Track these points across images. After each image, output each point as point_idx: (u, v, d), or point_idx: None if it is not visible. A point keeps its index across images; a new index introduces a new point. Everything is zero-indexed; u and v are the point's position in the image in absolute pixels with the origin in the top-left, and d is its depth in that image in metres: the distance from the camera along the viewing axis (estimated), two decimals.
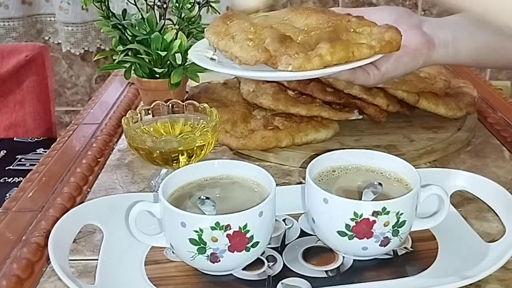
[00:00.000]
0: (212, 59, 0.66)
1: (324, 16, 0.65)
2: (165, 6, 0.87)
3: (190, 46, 0.84)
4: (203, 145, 0.63)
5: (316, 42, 0.60)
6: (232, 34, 0.64)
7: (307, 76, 0.60)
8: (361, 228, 0.51)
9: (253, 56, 0.59)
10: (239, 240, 0.49)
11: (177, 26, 0.87)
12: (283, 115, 0.79)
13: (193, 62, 0.70)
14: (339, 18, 0.65)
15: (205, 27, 0.89)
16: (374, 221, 0.50)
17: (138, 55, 0.84)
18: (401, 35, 0.62)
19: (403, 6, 1.98)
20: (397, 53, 0.63)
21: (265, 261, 0.54)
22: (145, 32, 0.84)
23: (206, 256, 0.50)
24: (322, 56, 0.58)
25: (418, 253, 0.55)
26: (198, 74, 0.84)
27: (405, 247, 0.56)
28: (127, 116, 0.66)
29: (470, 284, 0.49)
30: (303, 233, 0.59)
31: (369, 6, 1.98)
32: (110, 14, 0.85)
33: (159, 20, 0.87)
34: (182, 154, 0.63)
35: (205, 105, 0.68)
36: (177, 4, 0.86)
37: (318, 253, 0.56)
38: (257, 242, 0.50)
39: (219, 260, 0.50)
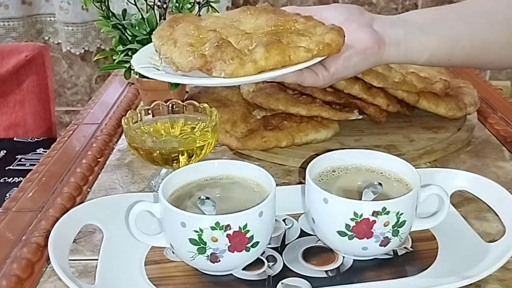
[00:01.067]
0: (154, 66, 0.64)
1: (274, 16, 0.64)
2: (165, 6, 0.87)
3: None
4: (203, 145, 0.63)
5: (254, 46, 0.59)
6: (175, 39, 0.63)
7: (241, 82, 0.59)
8: (361, 228, 0.51)
9: (189, 62, 0.57)
10: (239, 240, 0.49)
11: None
12: (283, 115, 0.79)
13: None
14: (286, 19, 0.64)
15: None
16: (374, 221, 0.50)
17: None
18: (344, 36, 0.60)
19: (402, 6, 1.98)
20: (346, 53, 0.62)
21: (265, 261, 0.54)
22: (145, 32, 0.84)
23: (206, 256, 0.50)
24: (256, 62, 0.56)
25: (418, 253, 0.55)
26: None
27: (405, 247, 0.56)
28: (127, 116, 0.66)
29: (470, 284, 0.49)
30: (303, 233, 0.59)
31: (369, 6, 1.99)
32: (110, 14, 0.85)
33: (159, 20, 0.87)
34: (182, 154, 0.63)
35: (205, 105, 0.68)
36: (177, 4, 0.86)
37: (318, 253, 0.56)
38: (257, 242, 0.50)
39: (219, 260, 0.50)
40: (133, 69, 0.67)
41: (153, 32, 0.66)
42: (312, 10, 0.67)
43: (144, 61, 0.64)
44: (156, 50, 0.64)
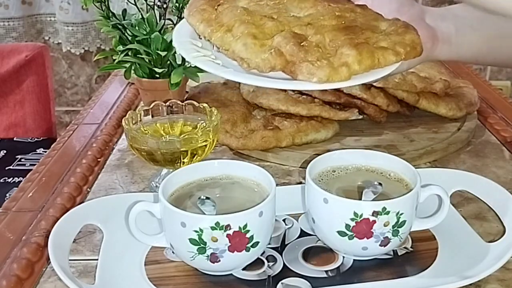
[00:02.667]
0: (205, 55, 0.56)
1: (322, 3, 0.57)
2: (165, 6, 0.87)
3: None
4: (205, 145, 0.63)
5: (333, 44, 0.53)
6: (227, 24, 0.54)
7: (330, 87, 0.52)
8: (361, 228, 0.51)
9: (266, 61, 0.50)
10: (239, 240, 0.49)
11: None
12: (283, 115, 0.79)
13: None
14: (340, 7, 0.57)
15: None
16: (374, 221, 0.50)
17: (138, 55, 0.84)
18: (419, 35, 0.56)
19: None
20: None
21: (265, 261, 0.54)
22: (145, 32, 0.84)
23: (206, 256, 0.50)
24: (349, 66, 0.51)
25: (418, 253, 0.55)
26: (198, 74, 0.84)
27: (405, 247, 0.56)
28: (126, 117, 0.66)
29: (470, 284, 0.49)
30: (303, 233, 0.59)
31: None
32: (110, 14, 0.85)
33: (159, 20, 0.87)
34: (185, 155, 0.63)
35: (205, 105, 0.68)
36: (177, 4, 0.86)
37: (318, 253, 0.56)
38: (257, 242, 0.50)
39: (219, 260, 0.50)
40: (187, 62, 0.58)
41: (189, 12, 0.57)
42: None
43: (189, 48, 0.56)
44: (199, 35, 0.57)
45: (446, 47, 0.63)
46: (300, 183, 0.69)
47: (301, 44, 0.51)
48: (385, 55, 0.53)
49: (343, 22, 0.55)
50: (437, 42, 0.62)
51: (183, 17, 0.86)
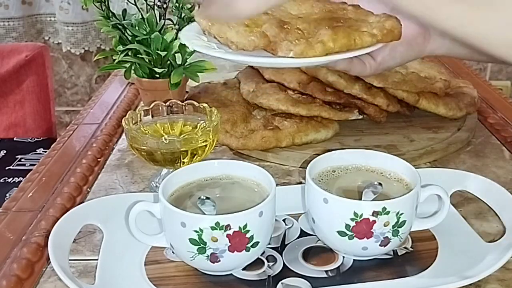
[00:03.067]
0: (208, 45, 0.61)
1: (319, 4, 0.63)
2: (165, 6, 0.87)
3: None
4: (205, 145, 0.63)
5: (316, 30, 0.58)
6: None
7: (307, 64, 0.58)
8: (361, 228, 0.51)
9: (251, 41, 0.56)
10: (239, 240, 0.49)
11: (177, 26, 0.87)
12: (283, 115, 0.79)
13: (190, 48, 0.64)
14: (334, 7, 0.63)
15: None
16: (374, 221, 0.50)
17: (138, 55, 0.84)
18: (401, 24, 0.59)
19: None
20: (392, 43, 0.61)
21: (265, 261, 0.54)
22: (145, 32, 0.84)
23: (206, 256, 0.50)
24: (324, 43, 0.55)
25: (418, 253, 0.55)
26: (198, 74, 0.84)
27: (405, 247, 0.56)
28: (126, 117, 0.66)
29: (470, 284, 0.49)
30: (303, 233, 0.59)
31: None
32: (110, 14, 0.85)
33: (159, 20, 0.87)
34: (185, 155, 0.63)
35: (205, 105, 0.68)
36: (177, 4, 0.86)
37: (318, 253, 0.56)
38: (257, 242, 0.50)
39: (219, 260, 0.50)
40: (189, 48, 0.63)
41: (196, 12, 0.63)
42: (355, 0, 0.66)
43: (194, 40, 0.62)
44: (203, 31, 0.62)
45: (439, 41, 0.63)
46: (300, 183, 0.69)
47: (284, 27, 0.57)
48: (361, 36, 0.57)
49: (327, 14, 0.61)
50: (428, 37, 0.63)
51: (183, 17, 0.87)
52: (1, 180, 1.27)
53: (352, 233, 0.51)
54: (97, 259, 0.54)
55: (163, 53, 0.83)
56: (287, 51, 0.55)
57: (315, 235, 0.57)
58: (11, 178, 1.28)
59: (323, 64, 0.66)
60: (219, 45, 0.60)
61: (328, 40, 0.55)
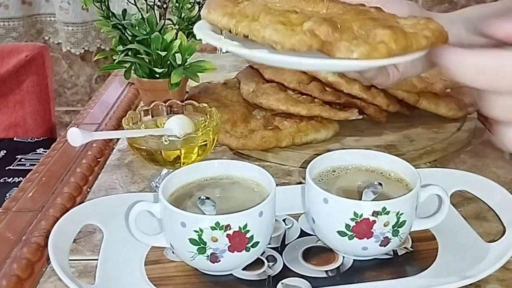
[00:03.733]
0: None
1: (335, 4, 0.57)
2: (165, 6, 0.87)
3: (191, 46, 0.84)
4: (205, 145, 0.63)
5: (361, 29, 0.51)
6: (252, 15, 0.53)
7: (369, 67, 0.50)
8: (361, 228, 0.51)
9: (301, 41, 0.49)
10: (239, 240, 0.49)
11: (177, 26, 0.88)
12: (283, 115, 0.79)
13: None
14: (355, 7, 0.57)
15: None
16: (374, 221, 0.50)
17: (138, 55, 0.84)
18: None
19: None
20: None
21: (265, 261, 0.54)
22: (145, 32, 0.84)
23: (206, 256, 0.50)
24: (386, 43, 0.49)
25: (418, 253, 0.55)
26: (198, 74, 0.84)
27: (405, 247, 0.56)
28: (126, 117, 0.66)
29: (470, 284, 0.49)
30: (303, 233, 0.59)
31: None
32: (110, 14, 0.85)
33: (159, 20, 0.87)
34: (185, 154, 0.63)
35: (205, 105, 0.68)
36: (177, 4, 0.86)
37: (318, 253, 0.56)
38: (257, 242, 0.50)
39: (219, 260, 0.50)
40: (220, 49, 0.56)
41: (207, 9, 0.55)
42: (370, 2, 0.61)
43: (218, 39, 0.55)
44: (224, 29, 0.54)
45: None
46: (300, 183, 0.69)
47: (334, 25, 0.50)
48: (416, 38, 0.51)
49: (364, 15, 0.54)
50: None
51: (183, 17, 0.87)
52: (1, 180, 1.27)
53: (352, 233, 0.51)
54: (97, 259, 0.54)
55: (163, 53, 0.83)
56: (348, 52, 0.48)
57: (315, 235, 0.57)
58: (11, 178, 1.28)
59: (374, 68, 0.60)
60: (249, 45, 0.53)
61: (390, 41, 0.49)
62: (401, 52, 0.49)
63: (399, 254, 0.55)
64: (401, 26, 0.52)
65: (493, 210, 0.61)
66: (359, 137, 0.81)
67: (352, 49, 0.47)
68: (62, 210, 0.63)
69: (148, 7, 0.86)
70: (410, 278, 0.52)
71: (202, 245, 0.49)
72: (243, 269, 0.53)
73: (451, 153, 0.78)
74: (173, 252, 0.54)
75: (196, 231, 0.48)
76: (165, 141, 0.61)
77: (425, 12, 0.63)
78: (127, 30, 0.84)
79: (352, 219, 0.50)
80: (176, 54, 0.83)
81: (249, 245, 0.50)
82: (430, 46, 0.51)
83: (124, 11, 0.86)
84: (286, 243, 0.57)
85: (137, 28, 0.84)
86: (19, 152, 1.40)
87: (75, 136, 0.57)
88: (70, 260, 0.54)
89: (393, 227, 0.51)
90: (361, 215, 0.50)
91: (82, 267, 0.55)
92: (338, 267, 0.54)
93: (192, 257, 0.50)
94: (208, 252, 0.49)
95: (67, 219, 0.56)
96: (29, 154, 1.39)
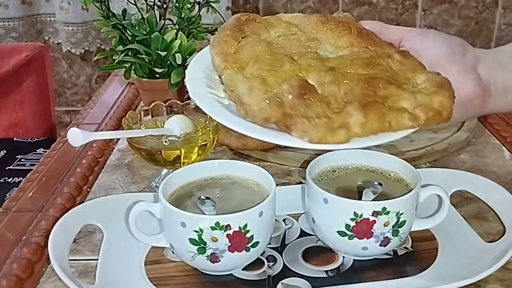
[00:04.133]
0: (213, 93, 0.52)
1: (361, 41, 0.54)
2: (165, 6, 0.87)
3: (191, 46, 0.84)
4: (205, 145, 0.63)
5: (345, 96, 0.48)
6: (242, 62, 0.51)
7: (325, 148, 0.47)
8: (361, 228, 0.51)
9: (262, 110, 0.46)
10: (239, 240, 0.49)
11: (177, 26, 0.88)
12: None
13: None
14: (378, 50, 0.53)
15: (205, 27, 0.90)
16: (374, 221, 0.50)
17: (138, 55, 0.84)
18: (454, 98, 0.49)
19: (402, 6, 1.98)
20: None
21: (265, 261, 0.54)
22: (145, 32, 0.84)
23: (206, 256, 0.50)
24: (349, 128, 0.46)
25: (418, 253, 0.55)
26: None
27: (405, 247, 0.56)
28: (127, 117, 0.66)
29: (470, 284, 0.49)
30: (303, 233, 0.59)
31: (369, 6, 1.99)
32: (110, 14, 0.85)
33: (159, 20, 0.87)
34: (185, 154, 0.63)
35: None
36: (177, 4, 0.86)
37: (318, 253, 0.56)
38: (257, 242, 0.50)
39: (219, 260, 0.50)
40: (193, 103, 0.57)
41: (212, 41, 0.54)
42: (405, 35, 0.56)
43: (200, 80, 0.52)
44: (215, 69, 0.53)
45: (502, 99, 0.55)
46: (300, 183, 0.69)
47: (305, 96, 0.47)
48: (398, 118, 0.47)
49: (369, 71, 0.51)
50: (488, 98, 0.54)
51: (183, 17, 0.87)
52: (1, 180, 1.27)
53: (352, 233, 0.51)
54: (97, 259, 0.54)
55: (163, 53, 0.83)
56: (302, 132, 0.46)
57: (315, 235, 0.57)
58: (11, 178, 1.28)
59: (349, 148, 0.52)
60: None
61: (355, 124, 0.46)
62: (372, 133, 0.47)
63: (399, 254, 0.55)
64: (399, 95, 0.49)
65: (493, 210, 0.61)
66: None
67: (307, 130, 0.45)
68: (62, 210, 0.63)
69: (148, 7, 0.86)
70: (410, 278, 0.52)
71: (202, 245, 0.49)
72: (243, 269, 0.53)
73: (451, 153, 0.78)
74: (173, 252, 0.54)
75: (196, 231, 0.48)
76: (165, 141, 0.61)
77: (470, 52, 0.54)
78: (127, 30, 0.84)
79: (352, 219, 0.50)
80: (176, 54, 0.83)
81: (249, 245, 0.50)
82: (421, 126, 0.48)
83: (124, 11, 0.86)
84: (286, 243, 0.57)
85: (137, 28, 0.84)
86: (19, 152, 1.40)
87: (76, 136, 0.57)
88: (70, 260, 0.54)
89: (393, 227, 0.51)
90: (361, 215, 0.50)
91: (82, 267, 0.55)
92: (338, 267, 0.54)
93: (192, 257, 0.50)
94: (208, 252, 0.49)
95: (67, 219, 0.56)
96: (29, 154, 1.39)
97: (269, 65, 0.50)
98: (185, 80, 0.53)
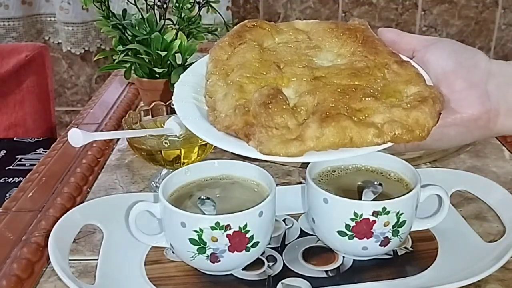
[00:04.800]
0: (197, 99, 0.52)
1: (362, 50, 0.52)
2: (165, 6, 0.87)
3: (191, 46, 0.84)
4: (205, 145, 0.63)
5: (316, 106, 0.47)
6: (228, 68, 0.52)
7: (278, 160, 0.45)
8: (361, 228, 0.51)
9: (226, 118, 0.46)
10: (239, 240, 0.49)
11: (177, 26, 0.88)
12: None
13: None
14: (376, 60, 0.51)
15: (205, 27, 0.90)
16: (374, 221, 0.50)
17: (138, 55, 0.84)
18: (436, 119, 0.46)
19: (402, 6, 1.98)
20: (443, 122, 0.47)
21: (265, 261, 0.54)
22: (145, 32, 0.84)
23: (206, 256, 0.50)
24: (303, 141, 0.44)
25: (418, 253, 0.55)
26: None
27: (405, 247, 0.56)
28: (127, 117, 0.66)
29: (470, 284, 0.49)
30: (303, 233, 0.59)
31: (369, 6, 1.99)
32: (110, 14, 0.85)
33: (159, 20, 0.87)
34: (185, 154, 0.63)
35: None
36: (177, 4, 0.86)
37: (318, 253, 0.56)
38: (257, 242, 0.50)
39: (219, 260, 0.50)
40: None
41: (214, 46, 0.55)
42: (418, 45, 0.52)
43: (188, 84, 0.53)
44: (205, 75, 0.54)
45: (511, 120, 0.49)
46: (300, 183, 0.69)
47: (269, 106, 0.46)
48: (362, 133, 0.44)
49: (353, 82, 0.49)
50: (496, 118, 0.48)
51: (183, 17, 0.87)
52: (1, 180, 1.27)
53: (352, 233, 0.51)
54: (97, 259, 0.54)
55: (163, 53, 0.83)
56: (257, 142, 0.45)
57: (315, 235, 0.57)
58: (11, 178, 1.28)
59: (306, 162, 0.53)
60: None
61: (310, 138, 0.44)
62: (332, 148, 0.44)
63: (399, 254, 0.55)
64: (374, 109, 0.46)
65: (493, 210, 0.61)
66: None
67: (262, 141, 0.44)
68: (62, 210, 0.63)
69: (148, 7, 0.86)
70: (410, 278, 0.52)
71: (202, 245, 0.49)
72: (243, 269, 0.53)
73: (451, 153, 0.78)
74: (173, 252, 0.54)
75: (196, 231, 0.48)
76: (165, 141, 0.61)
77: (482, 65, 0.49)
78: (127, 30, 0.84)
79: (352, 219, 0.50)
80: (176, 54, 0.84)
81: (249, 245, 0.50)
82: (386, 142, 0.45)
83: (124, 11, 0.86)
84: (286, 243, 0.57)
85: (137, 28, 0.84)
86: (19, 152, 1.40)
87: (76, 137, 0.57)
88: (70, 260, 0.54)
89: (393, 227, 0.51)
90: (361, 215, 0.50)
91: (82, 267, 0.55)
92: (338, 267, 0.54)
93: (192, 257, 0.50)
94: (208, 252, 0.49)
95: (67, 219, 0.56)
96: (29, 154, 1.39)
97: (252, 72, 0.50)
98: (175, 83, 0.53)
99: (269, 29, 0.56)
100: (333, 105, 0.46)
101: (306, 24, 0.57)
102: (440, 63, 0.49)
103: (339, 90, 0.48)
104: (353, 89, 0.48)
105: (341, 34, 0.54)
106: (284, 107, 0.46)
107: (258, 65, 0.51)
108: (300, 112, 0.46)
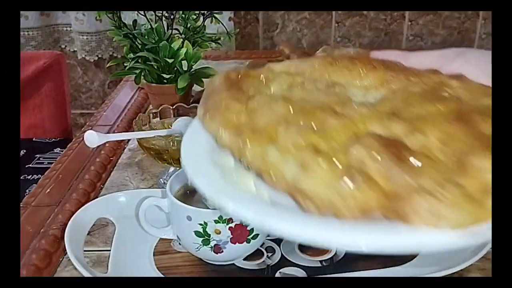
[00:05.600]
0: None
1: (394, 75, 0.39)
2: (172, 17, 0.87)
3: (196, 54, 0.84)
4: None
5: (450, 147, 0.29)
6: (266, 130, 0.33)
7: (467, 240, 0.28)
8: None
9: (350, 199, 0.28)
10: (241, 232, 0.49)
11: (183, 35, 0.88)
12: None
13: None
14: (425, 80, 0.37)
15: (209, 36, 0.90)
16: None
17: (147, 62, 0.84)
18: None
19: (391, 17, 1.98)
20: None
21: (265, 252, 0.54)
22: (153, 41, 0.84)
23: (210, 247, 0.50)
24: (487, 187, 0.28)
25: None
26: (203, 79, 0.84)
27: None
28: (137, 119, 0.66)
29: (454, 273, 0.49)
30: None
31: (360, 17, 1.99)
32: (122, 24, 0.85)
33: (167, 30, 0.87)
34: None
35: None
36: (183, 15, 0.86)
37: None
38: (257, 234, 0.50)
39: (222, 251, 0.50)
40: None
41: (203, 110, 0.38)
42: (441, 61, 0.40)
43: (210, 174, 0.36)
44: (225, 149, 0.35)
45: None
46: None
47: (402, 158, 0.28)
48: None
49: (441, 107, 0.33)
50: None
51: (189, 27, 0.87)
52: (21, 178, 1.27)
53: None
54: (109, 250, 0.54)
55: (170, 60, 0.83)
56: (433, 217, 0.26)
57: None
58: (30, 176, 1.28)
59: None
60: None
61: (488, 177, 0.28)
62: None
63: None
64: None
65: None
66: None
67: (441, 211, 0.26)
68: (77, 205, 0.63)
69: (157, 18, 0.86)
70: (398, 268, 0.52)
71: (206, 237, 0.49)
72: (244, 259, 0.53)
73: None
74: (179, 243, 0.54)
75: (200, 224, 0.48)
76: (172, 141, 0.61)
77: None
78: (137, 39, 0.84)
79: None
80: (182, 61, 0.84)
81: (249, 237, 0.50)
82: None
83: (135, 21, 0.86)
84: None
85: (146, 37, 0.84)
86: (38, 152, 1.40)
87: (92, 138, 0.57)
88: (85, 251, 0.54)
89: None
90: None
91: (96, 257, 0.55)
92: (332, 257, 0.54)
93: (197, 248, 0.50)
94: (212, 243, 0.49)
95: (82, 213, 0.56)
96: (47, 154, 1.39)
97: (307, 126, 0.32)
98: (192, 177, 0.36)
99: (257, 78, 0.40)
100: (469, 138, 0.30)
101: (286, 66, 0.42)
102: (481, 73, 0.37)
103: (449, 117, 0.31)
104: (464, 113, 0.32)
105: (351, 66, 0.40)
106: (422, 154, 0.29)
107: (302, 117, 0.33)
108: (431, 157, 0.29)
